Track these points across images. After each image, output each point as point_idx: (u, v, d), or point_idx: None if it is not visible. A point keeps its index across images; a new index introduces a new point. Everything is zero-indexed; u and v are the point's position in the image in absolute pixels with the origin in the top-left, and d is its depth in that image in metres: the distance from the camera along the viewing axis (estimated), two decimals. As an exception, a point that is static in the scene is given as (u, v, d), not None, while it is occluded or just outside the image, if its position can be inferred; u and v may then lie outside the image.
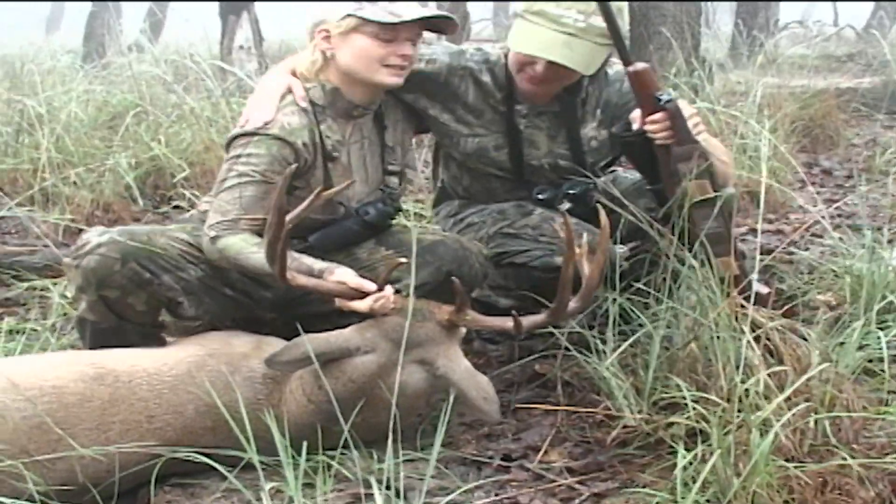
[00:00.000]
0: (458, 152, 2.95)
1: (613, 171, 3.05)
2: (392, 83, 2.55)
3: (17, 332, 3.06)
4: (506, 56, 2.82)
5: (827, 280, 3.08)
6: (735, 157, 3.85)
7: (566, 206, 2.84)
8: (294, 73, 2.61)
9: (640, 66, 2.54)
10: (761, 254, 3.09)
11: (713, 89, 5.59)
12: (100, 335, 2.51)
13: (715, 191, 2.52)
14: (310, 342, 2.25)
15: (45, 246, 3.77)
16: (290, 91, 2.56)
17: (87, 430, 2.16)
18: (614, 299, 2.54)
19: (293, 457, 2.01)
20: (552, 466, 2.32)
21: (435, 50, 2.87)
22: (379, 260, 2.67)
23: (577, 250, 2.30)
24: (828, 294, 3.02)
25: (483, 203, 3.02)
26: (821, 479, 1.98)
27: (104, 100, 5.78)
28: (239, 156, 2.49)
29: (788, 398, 2.06)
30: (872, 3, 14.29)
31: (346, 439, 2.09)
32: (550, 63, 2.63)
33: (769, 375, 2.14)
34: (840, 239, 3.18)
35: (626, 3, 2.73)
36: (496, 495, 2.21)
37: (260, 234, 2.42)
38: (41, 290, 3.50)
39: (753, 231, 3.79)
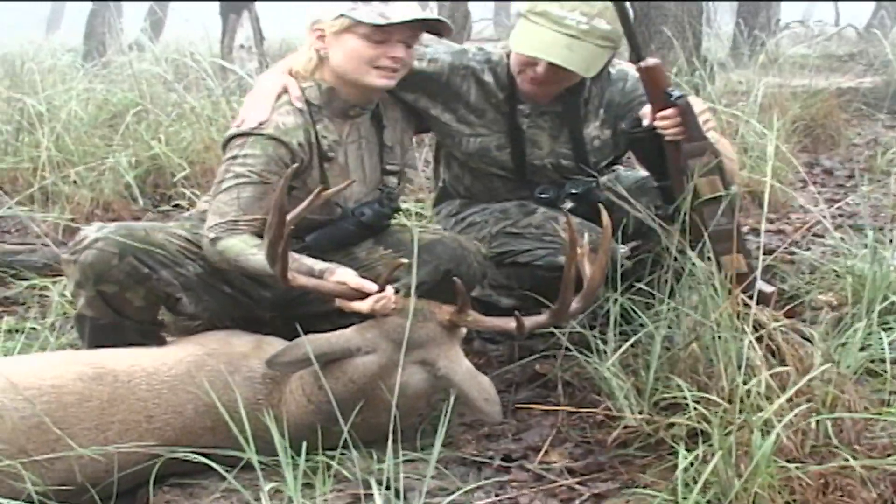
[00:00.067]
0: (459, 152, 2.94)
1: (615, 170, 3.04)
2: (382, 85, 2.53)
3: (17, 332, 3.05)
4: (508, 56, 2.82)
5: (828, 280, 3.07)
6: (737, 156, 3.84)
7: (568, 205, 2.84)
8: (291, 73, 2.60)
9: (651, 61, 2.53)
10: (763, 254, 3.08)
11: (714, 89, 5.58)
12: (99, 332, 2.50)
13: (724, 188, 2.51)
14: (310, 343, 2.25)
15: (44, 245, 3.77)
16: (285, 91, 2.56)
17: (86, 429, 2.15)
18: (615, 299, 2.53)
19: (292, 457, 2.00)
20: (552, 467, 2.32)
21: (437, 49, 2.86)
22: (377, 259, 2.66)
23: (580, 251, 2.29)
24: (829, 294, 3.02)
25: (484, 202, 3.02)
26: (822, 480, 1.97)
27: (104, 98, 5.78)
28: (235, 157, 2.49)
29: (790, 399, 2.05)
30: (874, 3, 14.28)
31: (345, 439, 2.08)
32: (551, 64, 2.63)
33: (771, 376, 2.14)
34: (841, 239, 3.17)
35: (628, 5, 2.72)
36: (496, 496, 2.20)
37: (259, 235, 2.42)
38: (40, 289, 3.49)
39: (754, 231, 3.78)
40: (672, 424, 2.24)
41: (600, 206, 2.38)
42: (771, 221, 4.16)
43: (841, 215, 4.10)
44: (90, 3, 12.40)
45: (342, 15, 2.46)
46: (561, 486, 2.23)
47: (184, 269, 2.49)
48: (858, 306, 2.61)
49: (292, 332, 2.32)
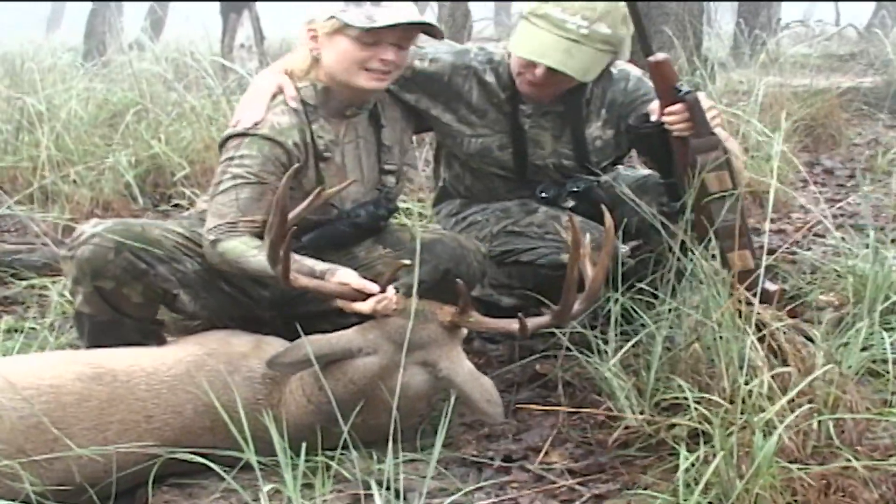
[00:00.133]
0: (461, 152, 2.93)
1: (615, 169, 3.03)
2: (372, 87, 2.52)
3: (16, 331, 3.05)
4: (509, 56, 2.81)
5: (829, 280, 3.07)
6: (738, 156, 3.83)
7: (569, 204, 2.83)
8: (288, 73, 2.59)
9: (660, 56, 2.52)
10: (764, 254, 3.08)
11: (715, 88, 5.58)
12: (98, 330, 2.50)
13: (732, 183, 2.50)
14: (311, 344, 2.24)
15: (44, 244, 3.76)
16: (281, 90, 2.55)
17: (85, 429, 2.14)
18: (616, 299, 2.52)
19: (291, 457, 1.99)
20: (553, 467, 2.31)
21: (439, 49, 2.85)
22: (377, 258, 2.66)
23: (582, 251, 2.29)
24: (830, 294, 3.01)
25: (485, 202, 3.01)
26: (824, 481, 1.96)
27: (104, 98, 5.78)
28: (232, 158, 2.48)
29: (791, 399, 2.04)
30: (874, 3, 14.27)
31: (345, 440, 2.07)
32: (549, 68, 2.62)
33: (772, 376, 2.13)
34: (842, 239, 3.16)
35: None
36: (496, 497, 2.20)
37: (259, 236, 2.41)
38: (40, 288, 3.49)
39: (755, 230, 3.77)
40: (673, 425, 2.23)
41: (602, 206, 2.37)
42: (772, 221, 4.15)
43: (842, 215, 4.09)
44: (91, 3, 12.40)
45: (333, 16, 2.45)
46: (561, 486, 2.22)
47: (181, 265, 2.48)
48: (860, 306, 2.60)
49: (292, 332, 2.31)
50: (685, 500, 1.93)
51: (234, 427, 2.05)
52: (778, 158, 2.55)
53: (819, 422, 2.08)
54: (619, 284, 2.54)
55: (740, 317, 2.28)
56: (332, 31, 2.47)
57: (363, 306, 2.29)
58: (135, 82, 5.68)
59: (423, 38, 2.67)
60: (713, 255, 2.42)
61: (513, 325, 2.30)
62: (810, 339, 2.33)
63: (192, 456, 2.14)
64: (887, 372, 2.34)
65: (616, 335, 2.48)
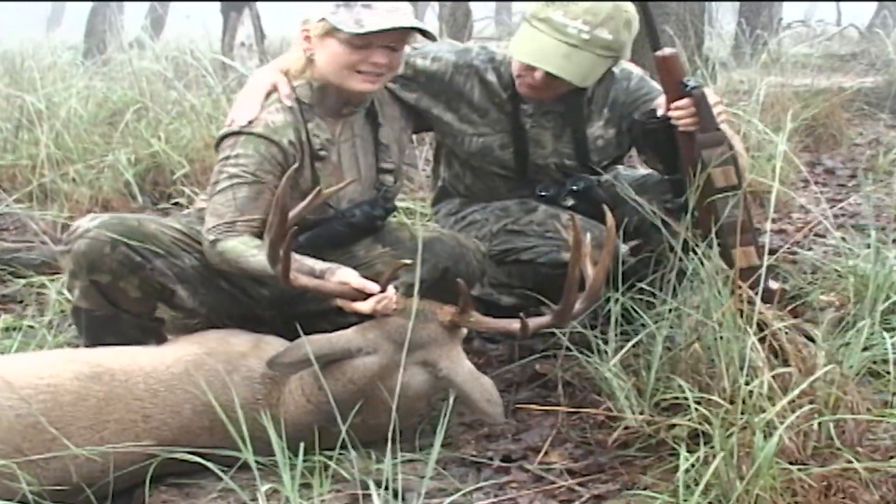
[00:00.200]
0: (462, 151, 2.93)
1: (615, 169, 3.02)
2: (365, 90, 2.51)
3: (14, 330, 3.05)
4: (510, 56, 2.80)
5: (830, 280, 3.06)
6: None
7: (569, 202, 2.83)
8: (284, 71, 2.58)
9: (668, 51, 2.52)
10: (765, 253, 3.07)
11: (716, 88, 5.56)
12: (95, 325, 2.49)
13: (738, 179, 2.49)
14: (311, 343, 2.23)
15: (42, 243, 3.76)
16: (275, 89, 2.54)
17: (83, 429, 2.13)
18: (616, 299, 2.52)
19: (290, 457, 1.99)
20: (552, 468, 2.30)
21: (440, 48, 2.85)
22: (376, 257, 2.65)
23: (584, 250, 2.28)
24: (831, 294, 3.01)
25: (484, 201, 3.00)
26: (825, 483, 1.95)
27: (104, 96, 5.77)
28: (228, 157, 2.47)
29: (792, 400, 2.03)
30: (875, 3, 14.26)
31: (343, 439, 2.07)
32: (548, 73, 2.62)
33: (773, 377, 2.12)
34: (843, 239, 3.16)
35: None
36: (495, 497, 2.19)
37: (258, 235, 2.40)
38: (38, 286, 3.48)
39: (756, 230, 3.76)
40: (673, 425, 2.23)
41: (604, 205, 2.36)
42: (773, 221, 4.14)
43: (843, 215, 4.09)
44: (91, 2, 12.39)
45: (323, 18, 2.44)
46: (561, 487, 2.21)
47: (178, 260, 2.48)
48: (860, 306, 2.60)
49: (292, 331, 2.30)
50: (685, 500, 1.93)
51: (232, 427, 2.04)
52: (780, 158, 2.54)
53: (820, 423, 2.07)
54: (620, 284, 2.53)
55: (741, 316, 2.27)
56: (323, 34, 2.45)
57: (363, 306, 2.28)
58: (135, 81, 5.67)
59: (423, 38, 2.66)
60: (718, 251, 2.41)
61: (513, 324, 2.29)
62: (811, 340, 2.33)
63: (190, 456, 2.13)
64: (888, 372, 2.33)
65: (616, 335, 2.48)
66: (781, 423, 1.96)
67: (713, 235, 2.45)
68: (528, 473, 2.29)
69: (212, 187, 2.50)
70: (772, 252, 3.01)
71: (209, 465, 2.06)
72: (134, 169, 4.67)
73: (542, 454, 2.35)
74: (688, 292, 2.45)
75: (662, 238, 2.51)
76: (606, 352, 2.44)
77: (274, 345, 2.36)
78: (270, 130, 2.47)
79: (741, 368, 2.13)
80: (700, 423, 2.12)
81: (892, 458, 2.04)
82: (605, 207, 2.32)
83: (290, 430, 2.23)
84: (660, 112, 2.57)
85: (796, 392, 2.04)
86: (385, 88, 2.66)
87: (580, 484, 2.22)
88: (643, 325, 2.47)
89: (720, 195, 2.47)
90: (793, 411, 2.01)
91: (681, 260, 2.44)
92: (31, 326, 3.06)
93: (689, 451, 2.02)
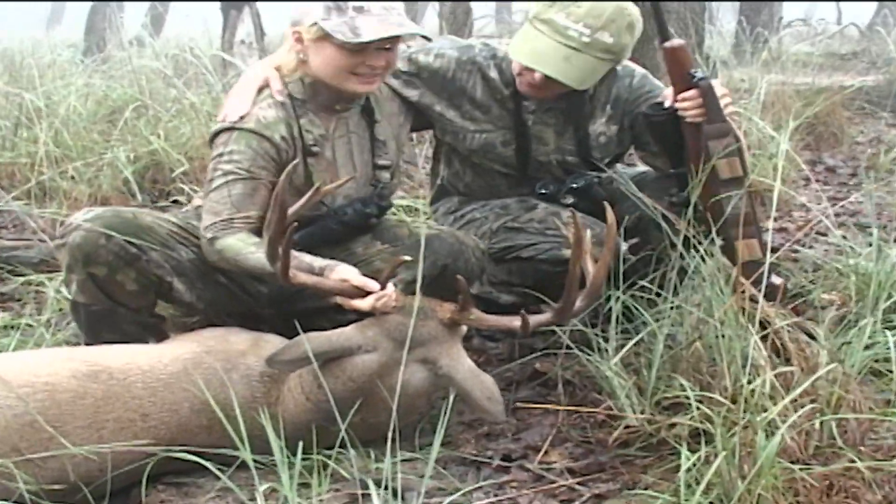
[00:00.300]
0: (463, 148, 2.92)
1: (614, 166, 3.01)
2: (363, 91, 2.50)
3: (12, 328, 3.04)
4: (512, 55, 2.80)
5: (832, 279, 3.05)
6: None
7: (569, 200, 2.82)
8: (278, 67, 2.57)
9: (676, 42, 2.51)
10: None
11: (717, 87, 5.53)
12: (94, 320, 2.48)
13: (743, 171, 2.48)
14: (310, 341, 2.23)
15: (41, 241, 3.74)
16: (267, 84, 2.53)
17: (80, 428, 2.13)
18: (617, 297, 2.51)
19: (288, 456, 1.98)
20: (552, 467, 2.29)
21: (443, 44, 2.85)
22: (375, 254, 2.64)
23: (584, 248, 2.27)
24: (833, 293, 3.00)
25: (484, 199, 2.99)
26: (827, 482, 1.95)
27: (104, 94, 5.75)
28: (221, 154, 2.47)
29: (794, 399, 2.03)
30: (876, 2, 14.26)
31: (343, 438, 2.06)
32: (547, 75, 2.61)
33: (775, 375, 2.11)
34: (844, 237, 3.15)
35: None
36: (495, 496, 2.18)
37: (256, 232, 2.39)
38: (37, 285, 3.47)
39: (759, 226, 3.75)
40: (674, 424, 2.22)
41: (605, 203, 2.35)
42: (774, 219, 4.13)
43: (844, 213, 4.08)
44: (92, 1, 12.38)
45: (316, 23, 2.42)
46: (561, 486, 2.21)
47: (175, 252, 2.47)
48: (862, 305, 2.59)
49: (291, 329, 2.29)
50: (686, 500, 1.92)
51: (230, 426, 2.03)
52: (782, 156, 2.53)
53: (822, 422, 2.06)
54: (620, 282, 2.52)
55: (743, 315, 2.26)
56: (317, 37, 2.44)
57: (363, 303, 2.27)
58: (134, 78, 5.66)
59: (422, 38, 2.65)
60: (721, 246, 2.40)
61: (513, 322, 2.29)
62: (813, 338, 2.32)
63: (189, 455, 2.12)
64: (890, 371, 2.32)
65: (617, 333, 2.47)
66: (783, 422, 1.96)
67: (716, 230, 2.44)
68: (529, 472, 2.28)
69: (207, 184, 2.50)
70: (773, 250, 3.01)
71: (207, 464, 2.06)
72: (133, 167, 4.66)
73: (542, 453, 2.35)
74: (689, 290, 2.44)
75: (661, 235, 2.50)
76: (607, 350, 2.44)
77: (273, 343, 2.35)
78: (262, 126, 2.46)
79: (743, 367, 2.13)
80: (701, 422, 2.12)
81: (894, 457, 2.04)
82: (606, 204, 2.31)
83: (289, 429, 2.22)
84: (667, 103, 2.56)
85: (798, 391, 2.04)
86: (385, 84, 2.64)
87: (580, 483, 2.22)
88: (644, 323, 2.46)
89: (725, 184, 2.46)
90: (795, 410, 2.00)
91: (682, 257, 2.43)
92: (30, 325, 3.05)
93: (690, 451, 2.01)
